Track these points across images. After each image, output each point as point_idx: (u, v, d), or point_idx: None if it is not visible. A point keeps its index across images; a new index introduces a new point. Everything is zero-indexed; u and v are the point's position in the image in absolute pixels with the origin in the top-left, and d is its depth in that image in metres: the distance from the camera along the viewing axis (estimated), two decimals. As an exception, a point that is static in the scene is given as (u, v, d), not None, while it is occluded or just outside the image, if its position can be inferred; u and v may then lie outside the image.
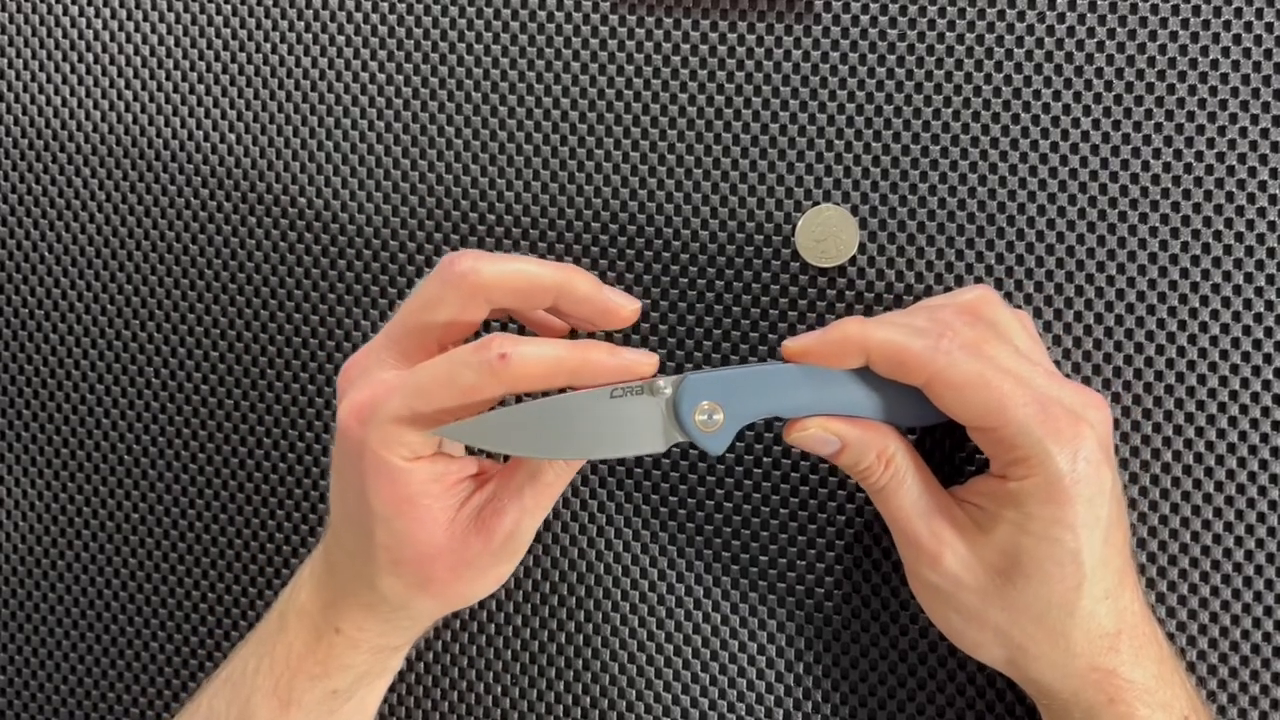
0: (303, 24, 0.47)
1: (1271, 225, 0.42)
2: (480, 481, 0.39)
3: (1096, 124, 0.43)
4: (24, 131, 0.50)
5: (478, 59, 0.46)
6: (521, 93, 0.46)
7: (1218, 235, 0.43)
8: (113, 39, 0.49)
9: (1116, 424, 0.43)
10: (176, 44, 0.48)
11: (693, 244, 0.45)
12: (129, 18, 0.49)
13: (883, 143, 0.44)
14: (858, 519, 0.45)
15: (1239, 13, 0.42)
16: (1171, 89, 0.43)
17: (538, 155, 0.46)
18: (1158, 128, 0.43)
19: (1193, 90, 0.43)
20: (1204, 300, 0.43)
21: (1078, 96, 0.43)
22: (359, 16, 0.47)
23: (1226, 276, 0.43)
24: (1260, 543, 0.43)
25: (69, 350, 0.50)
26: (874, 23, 0.44)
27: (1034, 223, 0.43)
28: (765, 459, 0.45)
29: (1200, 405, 0.43)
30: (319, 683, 0.40)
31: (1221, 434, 0.43)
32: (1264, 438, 0.43)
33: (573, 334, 0.43)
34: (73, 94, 0.49)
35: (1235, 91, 0.42)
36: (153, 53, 0.49)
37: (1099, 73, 0.43)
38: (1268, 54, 0.42)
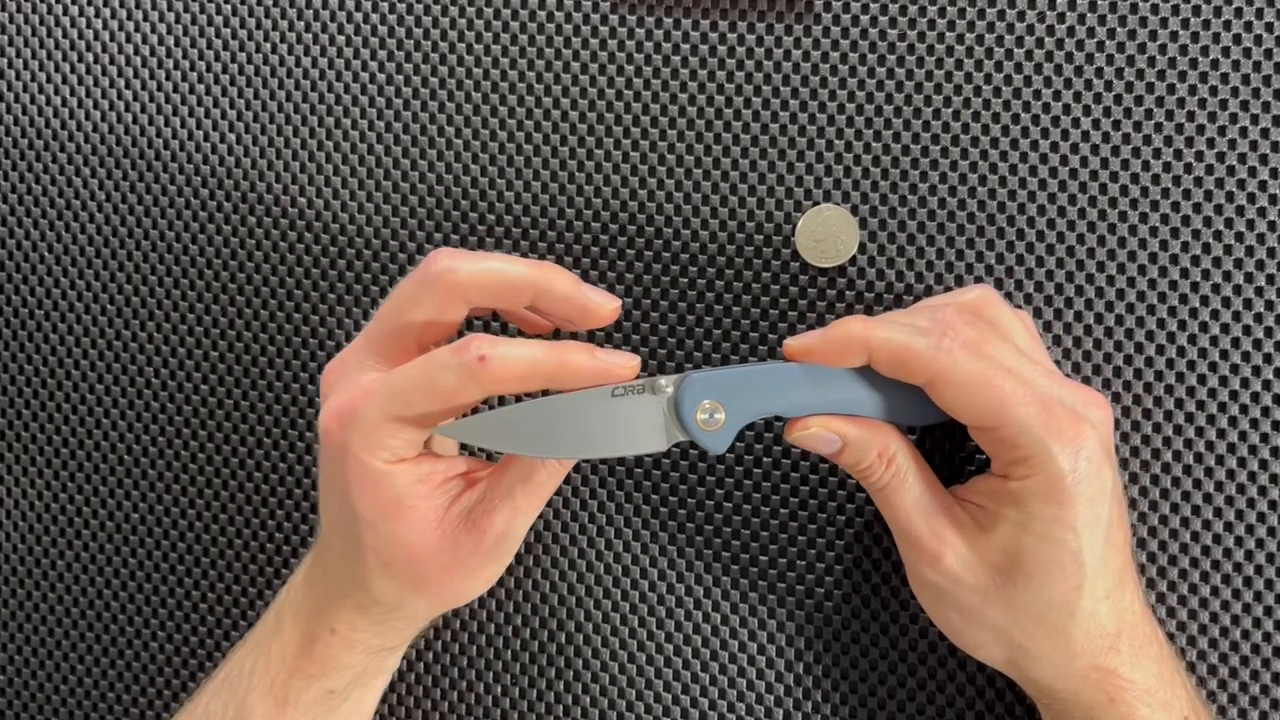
0: (303, 24, 0.47)
1: (1271, 225, 0.42)
2: (470, 481, 0.39)
3: (1096, 124, 0.43)
4: (24, 131, 0.50)
5: (478, 59, 0.46)
6: (521, 93, 0.46)
7: (1218, 235, 0.43)
8: (113, 39, 0.49)
9: (1116, 424, 0.43)
10: (176, 44, 0.48)
11: (693, 244, 0.45)
12: (129, 18, 0.49)
13: (883, 143, 0.44)
14: (858, 519, 0.45)
15: (1239, 13, 0.42)
16: (1171, 89, 0.43)
17: (538, 155, 0.46)
18: (1158, 128, 0.43)
19: (1193, 90, 0.43)
20: (1204, 300, 0.43)
21: (1078, 96, 0.43)
22: (359, 16, 0.47)
23: (1226, 276, 0.43)
24: (1260, 543, 0.43)
25: (69, 350, 0.50)
26: (874, 23, 0.44)
27: (1034, 223, 0.43)
28: (765, 459, 0.45)
29: (1200, 405, 0.43)
30: (315, 682, 0.40)
31: (1221, 434, 0.43)
32: (1264, 438, 0.43)
33: (559, 334, 0.43)
34: (73, 94, 0.49)
35: (1235, 91, 0.42)
36: (153, 53, 0.49)
37: (1099, 73, 0.43)
38: (1268, 54, 0.42)
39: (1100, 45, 0.43)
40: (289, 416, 0.48)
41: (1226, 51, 0.42)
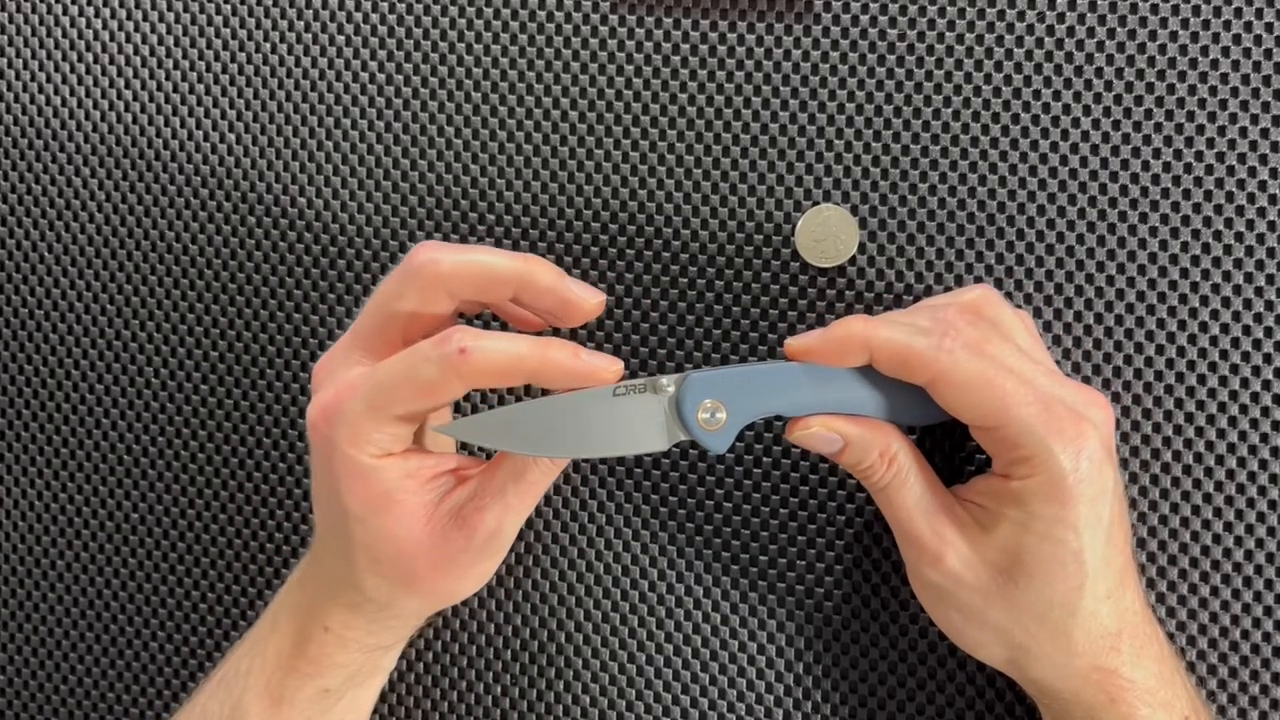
0: (303, 24, 0.47)
1: (1271, 225, 0.42)
2: (461, 478, 0.39)
3: (1096, 124, 0.43)
4: (24, 131, 0.50)
5: (478, 59, 0.46)
6: (521, 93, 0.46)
7: (1218, 235, 0.43)
8: (113, 39, 0.49)
9: (1116, 424, 0.43)
10: (176, 44, 0.48)
11: (693, 244, 0.45)
12: (129, 18, 0.49)
13: (883, 143, 0.44)
14: (858, 519, 0.45)
15: (1239, 13, 0.42)
16: (1171, 89, 0.43)
17: (538, 155, 0.46)
18: (1158, 128, 0.43)
19: (1193, 90, 0.43)
20: (1204, 300, 0.43)
21: (1078, 96, 0.43)
22: (359, 16, 0.47)
23: (1226, 276, 0.43)
24: (1260, 543, 0.43)
25: (69, 350, 0.50)
26: (874, 23, 0.44)
27: (1034, 223, 0.43)
28: (765, 459, 0.45)
29: (1200, 405, 0.43)
30: (310, 681, 0.40)
31: (1221, 434, 0.43)
32: (1264, 438, 0.43)
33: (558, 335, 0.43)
34: (73, 94, 0.49)
35: (1235, 91, 0.42)
36: (152, 53, 0.48)
37: (1099, 73, 0.43)
38: (1268, 54, 0.42)
39: (1100, 45, 0.43)
40: (289, 416, 0.48)
41: (1226, 51, 0.42)
